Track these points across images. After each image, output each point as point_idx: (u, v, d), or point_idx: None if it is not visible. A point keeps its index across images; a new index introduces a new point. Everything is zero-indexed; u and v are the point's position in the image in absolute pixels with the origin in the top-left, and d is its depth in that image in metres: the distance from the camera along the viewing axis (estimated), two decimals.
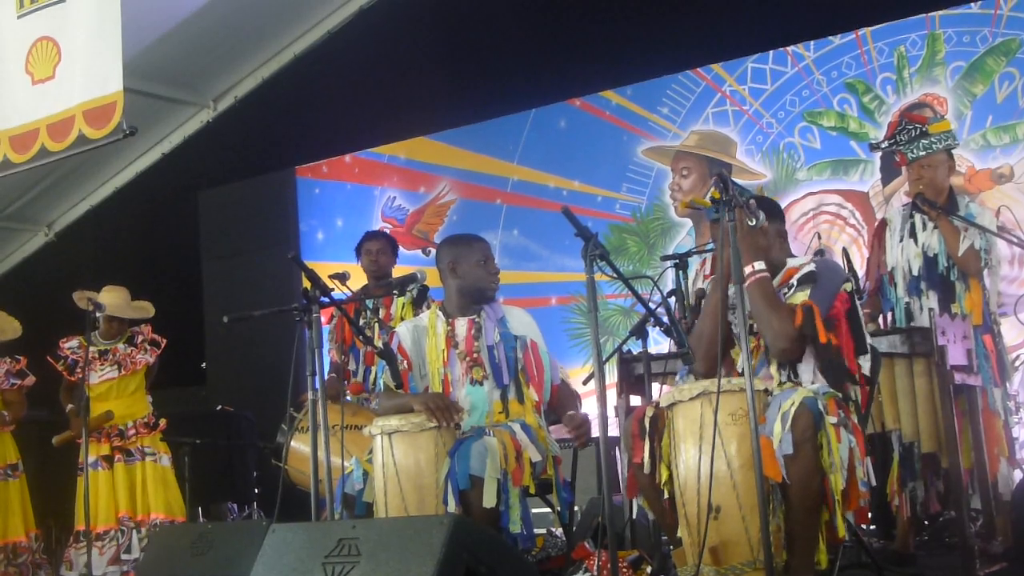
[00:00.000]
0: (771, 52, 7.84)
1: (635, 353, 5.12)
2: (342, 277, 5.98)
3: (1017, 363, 5.88)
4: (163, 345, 6.77)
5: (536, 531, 4.59)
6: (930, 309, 5.03)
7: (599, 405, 3.76)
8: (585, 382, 4.86)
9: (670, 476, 3.75)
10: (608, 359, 4.95)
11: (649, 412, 3.84)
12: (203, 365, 9.89)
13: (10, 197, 9.31)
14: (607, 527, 3.74)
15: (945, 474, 4.73)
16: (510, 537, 4.14)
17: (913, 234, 5.33)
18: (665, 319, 4.26)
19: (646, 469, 3.80)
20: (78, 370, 6.56)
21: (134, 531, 6.49)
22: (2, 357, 6.91)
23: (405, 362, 4.57)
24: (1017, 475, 5.06)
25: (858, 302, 3.99)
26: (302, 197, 9.87)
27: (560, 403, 4.69)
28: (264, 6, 7.97)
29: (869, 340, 4.00)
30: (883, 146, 5.61)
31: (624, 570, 4.59)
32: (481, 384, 4.55)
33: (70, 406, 6.59)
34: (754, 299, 3.89)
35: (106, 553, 6.41)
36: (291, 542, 3.74)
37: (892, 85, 7.39)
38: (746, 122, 7.90)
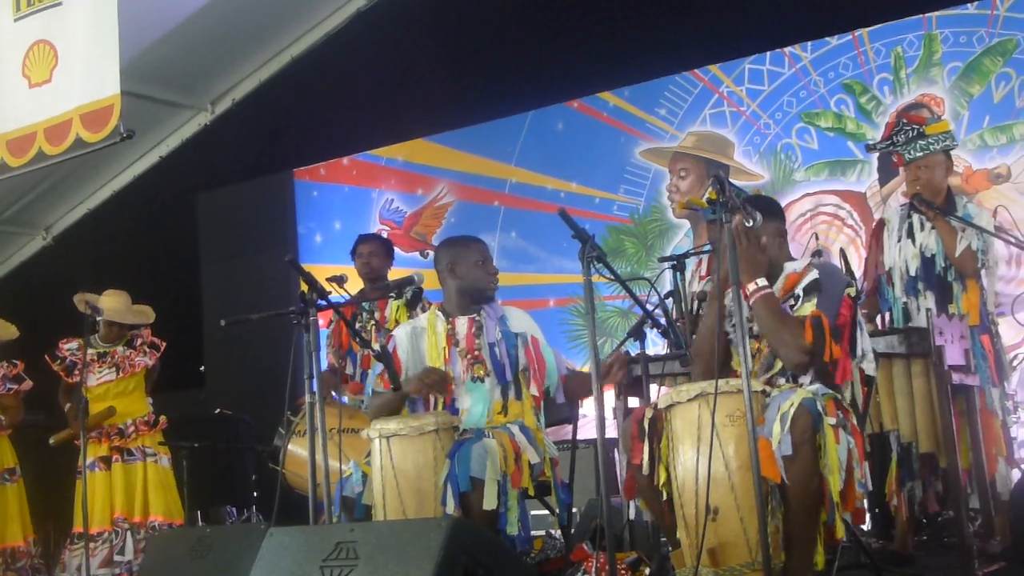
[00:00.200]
0: (768, 53, 7.84)
1: (633, 355, 5.11)
2: (340, 280, 5.98)
3: (1015, 363, 5.89)
4: (162, 348, 6.77)
5: (535, 533, 4.60)
6: (927, 309, 5.03)
7: (597, 407, 3.76)
8: None
9: (668, 477, 3.76)
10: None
11: (648, 413, 3.84)
12: (202, 368, 9.88)
13: (7, 200, 9.30)
14: (605, 529, 3.74)
15: (943, 474, 4.72)
16: (507, 539, 4.15)
17: (911, 234, 5.32)
18: (663, 321, 4.27)
19: (645, 470, 3.80)
20: (76, 372, 6.55)
21: (129, 533, 6.48)
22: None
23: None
24: (1015, 475, 5.05)
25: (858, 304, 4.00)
26: (300, 200, 9.87)
27: (574, 390, 4.76)
28: (261, 9, 7.97)
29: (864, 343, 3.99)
30: (880, 147, 5.61)
31: (623, 572, 4.59)
32: (482, 381, 4.57)
33: (68, 405, 6.59)
34: (762, 316, 3.90)
35: (98, 555, 6.39)
36: (289, 546, 3.74)
37: (889, 86, 7.40)
38: (743, 123, 7.90)
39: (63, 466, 6.77)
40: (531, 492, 4.34)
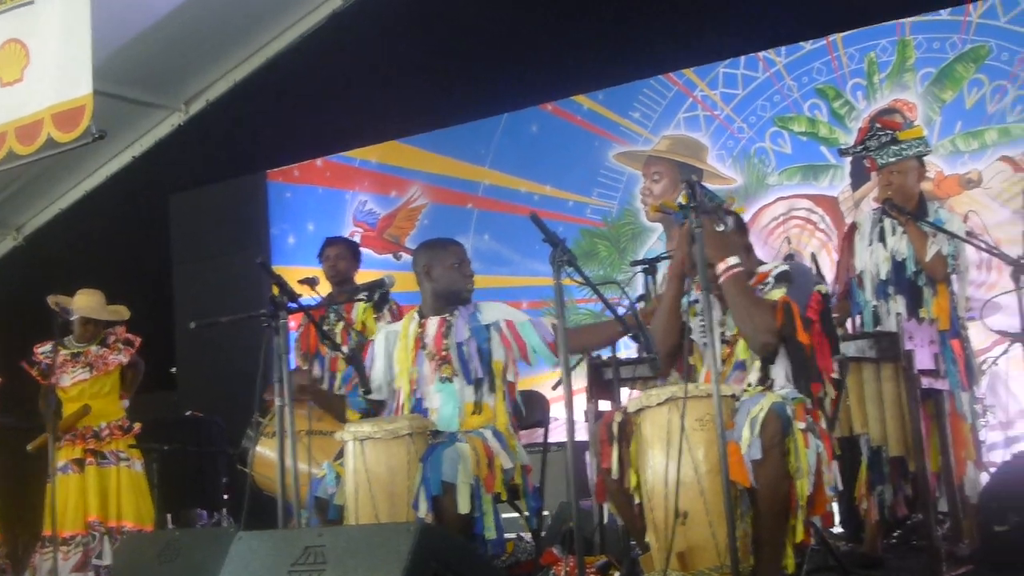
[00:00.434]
0: (743, 57, 7.87)
1: (604, 358, 5.12)
2: (312, 282, 5.95)
3: (984, 367, 5.92)
4: (137, 344, 6.72)
5: (506, 536, 4.59)
6: (898, 313, 5.04)
7: (567, 410, 3.76)
8: (554, 387, 4.85)
9: (638, 481, 3.76)
10: (577, 364, 4.97)
11: (617, 418, 3.84)
12: (173, 370, 9.82)
13: None
14: (575, 532, 3.74)
15: (913, 478, 4.74)
16: (484, 544, 4.15)
17: (882, 238, 5.35)
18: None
19: (614, 475, 3.80)
20: (53, 374, 6.51)
21: (106, 537, 6.44)
22: None
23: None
24: (984, 478, 5.08)
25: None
26: (273, 201, 9.84)
27: (581, 341, 4.82)
28: (236, 9, 7.94)
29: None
30: (853, 151, 5.63)
31: (592, 575, 4.59)
32: (451, 381, 4.56)
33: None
34: (732, 294, 3.91)
35: (71, 559, 6.33)
36: (257, 550, 3.72)
37: (862, 91, 7.43)
38: (717, 127, 7.92)
39: (34, 469, 6.70)
40: (503, 496, 4.34)
